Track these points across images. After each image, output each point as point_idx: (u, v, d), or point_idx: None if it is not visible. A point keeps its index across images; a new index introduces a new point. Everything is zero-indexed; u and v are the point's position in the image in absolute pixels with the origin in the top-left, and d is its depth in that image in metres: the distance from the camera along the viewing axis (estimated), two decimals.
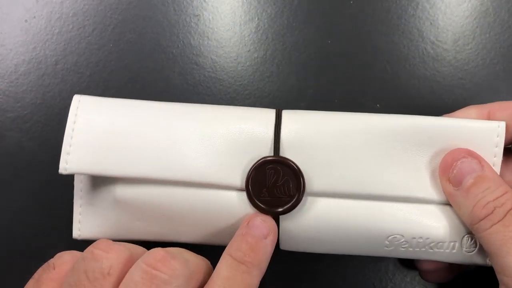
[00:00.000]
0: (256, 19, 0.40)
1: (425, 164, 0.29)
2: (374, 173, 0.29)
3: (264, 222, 0.28)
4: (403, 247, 0.29)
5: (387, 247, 0.29)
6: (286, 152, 0.29)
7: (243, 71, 0.39)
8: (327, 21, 0.40)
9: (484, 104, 0.31)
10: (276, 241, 0.28)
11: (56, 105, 0.38)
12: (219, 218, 0.30)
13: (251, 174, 0.29)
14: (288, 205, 0.28)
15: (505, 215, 0.26)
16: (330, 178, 0.29)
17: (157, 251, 0.24)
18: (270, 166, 0.29)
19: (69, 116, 0.30)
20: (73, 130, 0.29)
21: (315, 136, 0.29)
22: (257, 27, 0.40)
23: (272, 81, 0.39)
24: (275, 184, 0.29)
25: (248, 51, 0.40)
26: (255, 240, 0.27)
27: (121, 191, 0.30)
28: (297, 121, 0.30)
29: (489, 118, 0.30)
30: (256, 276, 0.26)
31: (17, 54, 0.40)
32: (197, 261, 0.26)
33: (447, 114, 0.32)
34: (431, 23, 0.39)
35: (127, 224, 0.31)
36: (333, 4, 0.40)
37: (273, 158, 0.29)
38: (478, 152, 0.29)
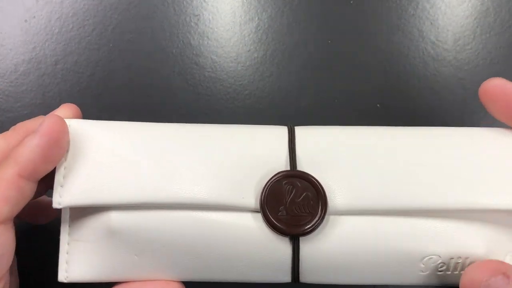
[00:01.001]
0: (256, 19, 0.40)
1: (464, 170, 0.26)
2: (403, 185, 0.26)
3: (40, 123, 0.25)
4: (440, 271, 0.26)
5: (422, 272, 0.26)
6: (303, 167, 0.26)
7: (243, 71, 0.39)
8: (327, 21, 0.40)
9: None
10: (48, 136, 0.25)
11: (56, 105, 0.38)
12: (232, 246, 0.26)
13: (267, 190, 0.26)
14: (311, 224, 0.25)
15: None
16: (354, 193, 0.26)
17: None
18: (287, 181, 0.26)
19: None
20: (65, 160, 0.26)
21: (333, 149, 0.27)
22: (257, 27, 0.40)
23: (272, 81, 0.39)
24: (293, 200, 0.26)
25: (248, 51, 0.40)
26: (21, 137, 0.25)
27: (118, 219, 0.26)
28: (312, 135, 0.28)
29: None
30: (8, 167, 0.24)
31: (17, 54, 0.40)
32: None
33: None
34: (431, 23, 0.39)
35: (124, 260, 0.27)
36: (333, 4, 0.40)
37: (291, 172, 0.26)
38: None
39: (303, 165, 0.27)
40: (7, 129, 0.28)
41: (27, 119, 0.30)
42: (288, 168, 0.26)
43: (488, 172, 0.26)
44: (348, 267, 0.26)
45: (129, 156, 0.26)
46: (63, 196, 0.26)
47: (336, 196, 0.26)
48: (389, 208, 0.26)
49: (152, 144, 0.27)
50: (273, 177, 0.26)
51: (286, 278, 0.26)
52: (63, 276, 0.27)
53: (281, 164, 0.26)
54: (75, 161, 0.26)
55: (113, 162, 0.26)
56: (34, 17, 0.40)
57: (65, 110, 0.28)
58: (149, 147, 0.27)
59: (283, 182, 0.26)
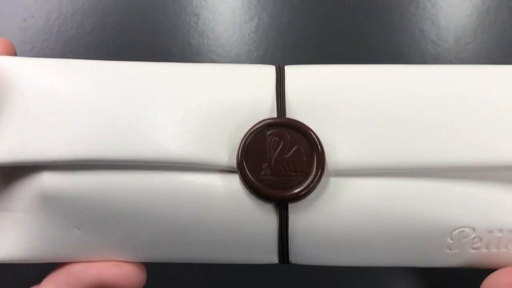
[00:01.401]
0: (256, 18, 0.40)
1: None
2: (429, 136, 0.19)
3: None
4: (474, 248, 0.20)
5: (450, 249, 0.20)
6: (295, 114, 0.20)
7: None
8: (327, 21, 0.40)
9: None
10: None
11: None
12: (200, 216, 0.20)
13: (246, 143, 0.20)
14: (303, 186, 0.19)
15: None
16: (363, 146, 0.19)
17: None
18: (273, 132, 0.20)
19: None
20: None
21: (334, 92, 0.21)
22: (257, 26, 0.40)
23: None
24: (280, 156, 0.20)
25: (248, 50, 0.40)
26: None
27: (53, 181, 0.20)
28: (306, 75, 0.21)
29: None
30: None
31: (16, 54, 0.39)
32: None
33: None
34: (432, 22, 0.39)
35: (63, 235, 0.21)
36: (333, 3, 0.40)
37: (278, 120, 0.20)
38: None
39: (294, 112, 0.20)
40: None
41: None
42: (275, 116, 0.20)
43: None
44: (353, 244, 0.20)
45: (70, 102, 0.20)
46: None
47: (337, 151, 0.20)
48: (410, 166, 0.19)
49: (101, 86, 0.21)
50: (254, 126, 0.20)
51: (272, 257, 0.21)
52: None
53: (266, 110, 0.20)
54: (1, 109, 0.20)
55: (50, 110, 0.20)
56: (33, 16, 0.40)
57: None
58: (97, 91, 0.21)
59: (267, 133, 0.20)
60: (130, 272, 0.20)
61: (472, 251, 0.20)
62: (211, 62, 0.39)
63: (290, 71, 0.22)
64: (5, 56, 0.22)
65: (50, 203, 0.20)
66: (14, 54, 0.23)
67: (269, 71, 0.22)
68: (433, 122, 0.20)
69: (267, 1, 0.40)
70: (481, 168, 0.20)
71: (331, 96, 0.21)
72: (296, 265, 0.22)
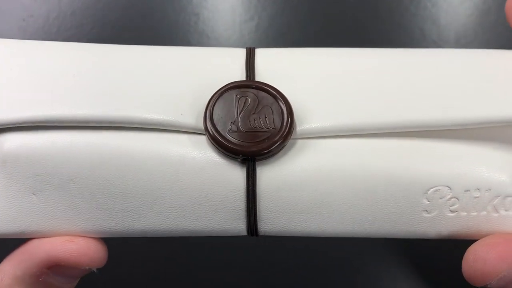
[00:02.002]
0: (256, 18, 0.40)
1: (479, 81, 0.20)
2: (401, 96, 0.20)
3: None
4: (452, 210, 0.19)
5: (427, 212, 0.19)
6: (265, 81, 0.20)
7: None
8: (327, 21, 0.40)
9: None
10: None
11: None
12: (161, 180, 0.19)
13: (213, 103, 0.19)
14: (272, 141, 0.19)
15: None
16: (335, 106, 0.20)
17: None
18: (241, 93, 0.20)
19: None
20: None
21: (304, 64, 0.21)
22: (257, 26, 0.40)
23: None
24: (248, 112, 0.19)
25: None
26: None
27: (13, 142, 0.19)
28: (276, 51, 0.22)
29: None
30: None
31: None
32: None
33: None
34: (433, 22, 0.39)
35: (17, 202, 0.20)
36: (333, 3, 0.40)
37: (246, 82, 0.20)
38: None
39: (263, 79, 0.20)
40: None
41: None
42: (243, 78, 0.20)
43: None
44: (324, 207, 0.19)
45: (35, 72, 0.20)
46: None
47: (307, 112, 0.20)
48: (382, 125, 0.19)
49: (75, 58, 0.21)
50: (222, 88, 0.20)
51: (240, 224, 0.20)
52: None
53: (235, 76, 0.20)
54: None
55: (13, 77, 0.20)
56: (32, 16, 0.40)
57: None
58: (69, 61, 0.21)
59: (235, 94, 0.20)
60: (85, 248, 0.19)
61: (451, 214, 0.19)
62: None
63: (260, 50, 0.22)
64: None
65: (8, 167, 0.19)
66: None
67: (240, 50, 0.22)
68: (401, 86, 0.20)
69: (267, 0, 0.40)
70: (450, 126, 0.19)
71: (301, 67, 0.21)
72: (265, 238, 0.21)
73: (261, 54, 0.21)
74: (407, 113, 0.19)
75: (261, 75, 0.20)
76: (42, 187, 0.19)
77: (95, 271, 0.20)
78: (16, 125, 0.19)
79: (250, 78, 0.20)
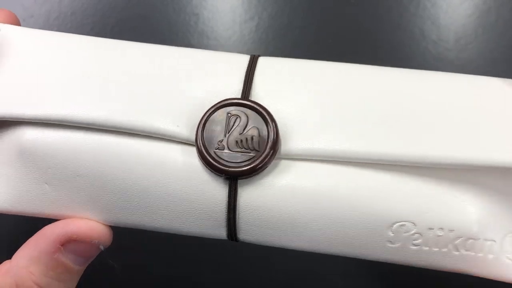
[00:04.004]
0: (256, 18, 0.40)
1: (462, 119, 0.20)
2: (380, 128, 0.20)
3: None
4: (415, 244, 0.20)
5: (391, 243, 0.20)
6: (258, 98, 0.22)
7: None
8: (327, 21, 0.40)
9: None
10: None
11: None
12: (155, 183, 0.21)
13: (206, 119, 0.21)
14: (255, 164, 0.20)
15: None
16: (318, 132, 0.21)
17: None
18: (234, 110, 0.21)
19: None
20: None
21: (300, 83, 0.22)
22: (257, 26, 0.40)
23: None
24: (237, 133, 0.21)
25: (248, 50, 0.39)
26: None
27: (29, 136, 0.22)
28: (279, 64, 0.23)
29: None
30: None
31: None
32: None
33: None
34: (432, 22, 0.39)
35: (32, 188, 0.22)
36: (333, 3, 0.40)
37: (240, 100, 0.21)
38: None
39: (258, 96, 0.22)
40: None
41: None
42: (239, 97, 0.22)
43: (492, 124, 0.20)
44: (297, 226, 0.21)
45: (54, 69, 0.23)
46: None
47: (293, 135, 0.21)
48: (354, 157, 0.20)
49: (88, 59, 0.23)
50: (216, 104, 0.21)
51: (221, 231, 0.22)
52: None
53: (233, 91, 0.22)
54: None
55: (37, 73, 0.23)
56: (32, 16, 0.40)
57: None
58: (79, 60, 0.23)
59: (228, 112, 0.21)
60: (95, 224, 0.22)
61: (413, 247, 0.20)
62: None
63: (263, 60, 0.23)
64: (10, 25, 0.24)
65: (25, 157, 0.22)
66: (18, 23, 0.26)
67: (243, 58, 0.23)
68: (382, 118, 0.21)
69: (267, 0, 0.40)
70: (423, 164, 0.20)
71: (295, 87, 0.22)
72: (244, 243, 0.22)
73: (262, 66, 0.22)
74: (381, 146, 0.20)
75: (257, 91, 0.22)
76: (53, 179, 0.22)
77: (103, 249, 0.23)
78: (33, 121, 0.22)
79: (246, 93, 0.22)
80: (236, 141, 0.21)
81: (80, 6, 0.40)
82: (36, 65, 0.23)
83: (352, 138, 0.20)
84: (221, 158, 0.21)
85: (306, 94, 0.22)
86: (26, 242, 0.21)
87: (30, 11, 0.40)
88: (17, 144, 0.23)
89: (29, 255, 0.21)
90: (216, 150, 0.21)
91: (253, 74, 0.22)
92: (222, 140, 0.21)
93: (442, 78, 0.22)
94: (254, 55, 0.23)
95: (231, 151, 0.21)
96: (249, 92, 0.22)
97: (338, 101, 0.21)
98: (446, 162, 0.20)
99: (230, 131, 0.21)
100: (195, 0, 0.40)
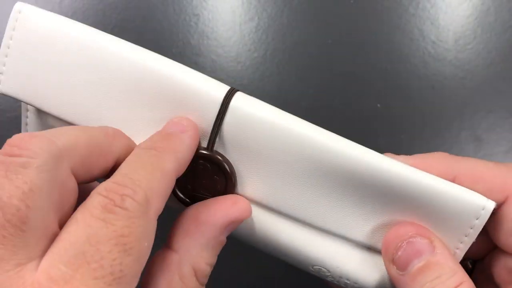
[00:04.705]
0: (256, 18, 0.40)
1: (371, 210, 0.25)
2: (311, 201, 0.25)
3: (181, 120, 0.24)
4: (330, 280, 0.27)
5: (313, 271, 0.27)
6: (225, 145, 0.25)
7: (243, 70, 0.39)
8: (327, 21, 0.40)
9: (454, 157, 0.26)
10: (197, 137, 0.24)
11: None
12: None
13: None
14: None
15: None
16: (266, 189, 0.25)
17: (15, 135, 0.20)
18: (201, 161, 0.25)
19: (6, 30, 0.26)
20: (8, 47, 0.25)
21: (263, 140, 0.25)
22: (257, 26, 0.40)
23: (272, 81, 0.39)
24: (201, 181, 0.25)
25: (248, 50, 0.40)
26: (169, 132, 0.24)
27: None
28: (247, 115, 0.25)
29: (454, 181, 0.25)
30: (169, 161, 0.22)
31: None
32: (75, 135, 0.21)
33: (403, 157, 0.26)
34: (431, 23, 0.39)
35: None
36: (333, 4, 0.40)
37: (205, 154, 0.25)
38: (446, 226, 0.24)
39: (223, 143, 0.25)
40: (7, 129, 0.28)
41: None
42: (205, 144, 0.25)
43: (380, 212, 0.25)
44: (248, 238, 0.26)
45: (76, 67, 0.25)
46: (2, 83, 0.25)
47: (245, 186, 0.25)
48: (291, 215, 0.26)
49: (104, 63, 0.26)
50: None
51: None
52: None
53: (202, 134, 0.25)
54: (19, 51, 0.25)
55: (60, 68, 0.25)
56: None
57: None
58: (98, 65, 0.26)
59: (198, 161, 0.25)
60: (246, 204, 0.25)
61: (328, 280, 0.27)
62: (211, 62, 0.39)
63: (236, 103, 0.25)
64: (34, 7, 0.26)
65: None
66: None
67: (219, 96, 0.25)
68: (311, 192, 0.25)
69: (267, 1, 0.40)
70: (334, 233, 0.26)
71: (258, 142, 0.25)
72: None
73: (233, 112, 0.24)
74: (301, 212, 0.25)
75: (223, 139, 0.25)
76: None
77: None
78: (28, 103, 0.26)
79: (212, 142, 0.25)
80: (201, 188, 0.25)
81: (81, 7, 0.40)
82: (43, 50, 0.25)
83: (285, 201, 0.25)
84: (185, 198, 0.26)
85: (262, 155, 0.25)
86: (182, 232, 0.23)
87: None
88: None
89: (199, 243, 0.23)
90: (183, 189, 0.25)
91: (223, 120, 0.24)
92: (190, 185, 0.25)
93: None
94: (229, 91, 0.25)
95: (195, 194, 0.25)
96: (214, 142, 0.25)
97: (284, 169, 0.25)
98: (317, 226, 0.26)
99: (197, 178, 0.25)
100: (195, 0, 0.40)
